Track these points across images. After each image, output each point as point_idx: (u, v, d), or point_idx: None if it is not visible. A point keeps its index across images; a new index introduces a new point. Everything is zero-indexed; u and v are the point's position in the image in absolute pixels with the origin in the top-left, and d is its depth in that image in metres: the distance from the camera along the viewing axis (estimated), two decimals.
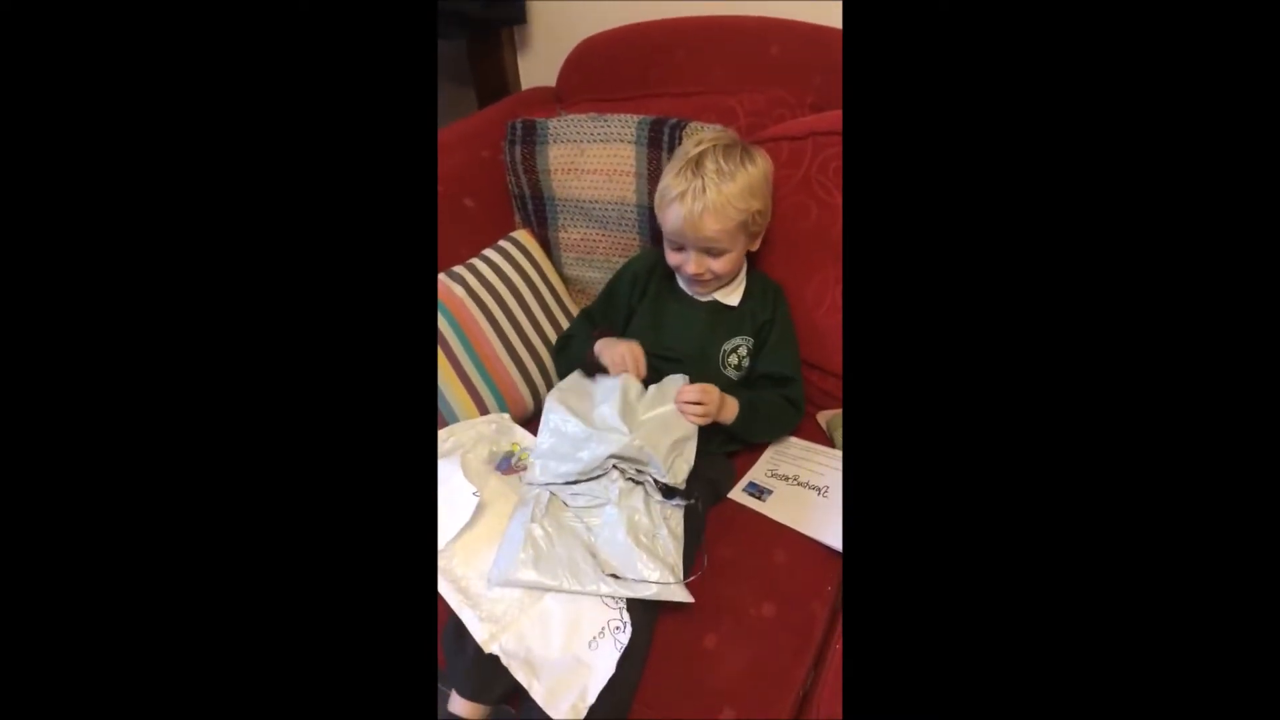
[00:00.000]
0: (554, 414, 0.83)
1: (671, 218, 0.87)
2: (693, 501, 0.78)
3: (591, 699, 0.66)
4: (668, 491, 0.77)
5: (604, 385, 0.86)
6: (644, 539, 0.73)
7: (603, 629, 0.70)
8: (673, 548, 0.74)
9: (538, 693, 0.67)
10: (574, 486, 0.79)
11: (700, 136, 0.91)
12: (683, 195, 0.85)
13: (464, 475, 0.82)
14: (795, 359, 0.96)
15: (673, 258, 0.92)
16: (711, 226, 0.85)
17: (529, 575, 0.72)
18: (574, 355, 0.97)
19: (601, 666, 0.68)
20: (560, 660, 0.68)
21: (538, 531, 0.74)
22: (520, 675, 0.67)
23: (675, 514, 0.77)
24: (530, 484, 0.81)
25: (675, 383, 0.86)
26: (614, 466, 0.78)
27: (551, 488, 0.79)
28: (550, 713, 0.66)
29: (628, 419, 0.80)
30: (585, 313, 1.04)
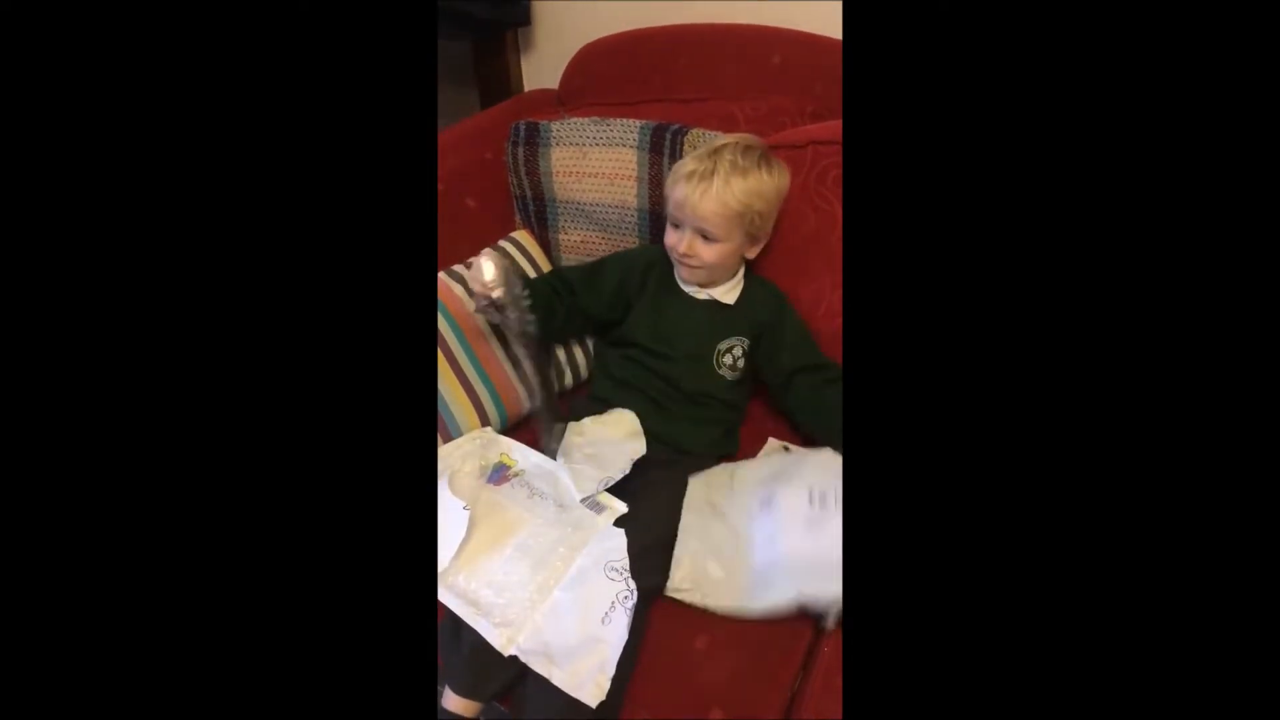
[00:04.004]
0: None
1: (677, 193, 0.90)
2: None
3: (612, 670, 0.68)
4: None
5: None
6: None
7: (613, 603, 0.71)
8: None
9: (560, 679, 0.67)
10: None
11: (728, 137, 0.94)
12: (692, 174, 0.88)
13: (453, 495, 0.83)
14: (801, 337, 0.96)
15: (670, 235, 0.94)
16: (709, 207, 0.87)
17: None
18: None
19: (616, 638, 0.69)
20: (578, 644, 0.69)
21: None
22: (540, 668, 0.68)
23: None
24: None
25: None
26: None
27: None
28: (576, 695, 0.67)
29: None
30: (556, 272, 1.05)
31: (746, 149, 0.90)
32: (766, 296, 0.98)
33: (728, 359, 0.95)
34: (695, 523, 0.83)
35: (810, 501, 0.78)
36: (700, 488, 0.87)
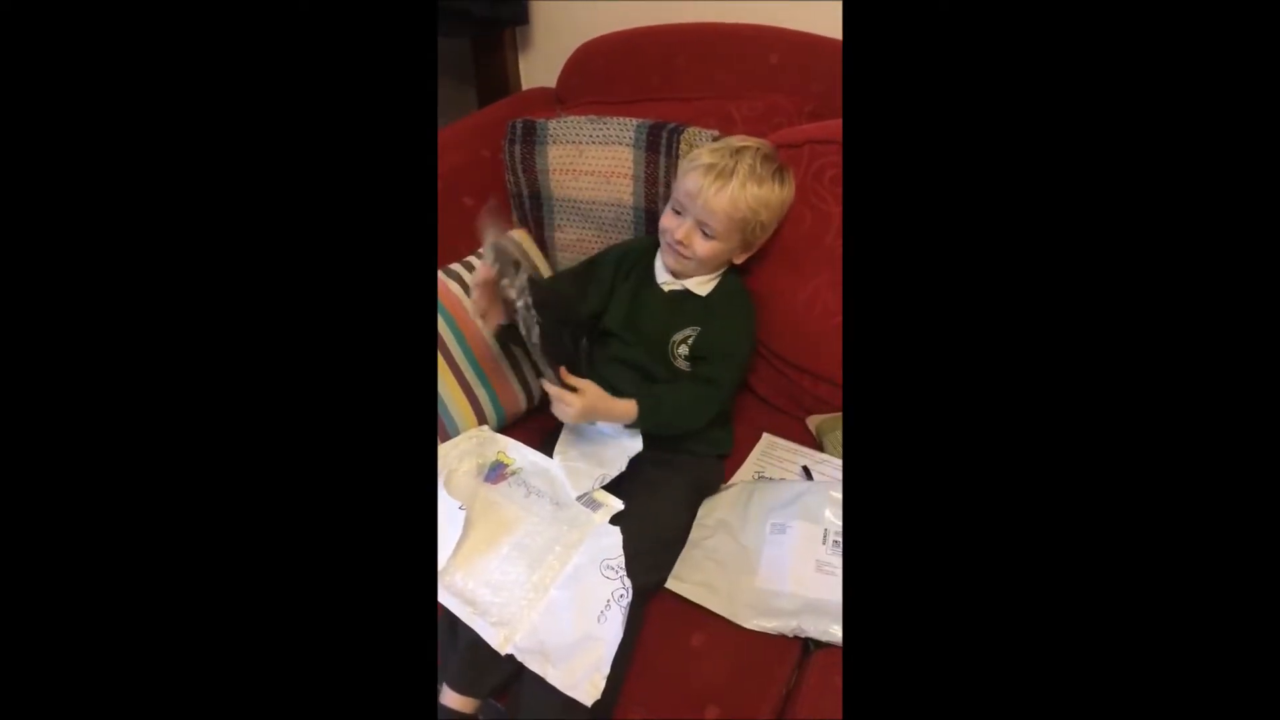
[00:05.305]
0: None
1: (689, 182, 0.90)
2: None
3: (607, 669, 0.68)
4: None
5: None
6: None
7: (609, 601, 0.72)
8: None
9: (555, 678, 0.67)
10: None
11: (749, 140, 0.95)
12: (710, 168, 0.89)
13: (449, 494, 0.83)
14: (726, 343, 0.95)
15: (668, 219, 0.94)
16: (720, 205, 0.88)
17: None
18: None
19: (611, 636, 0.69)
20: (574, 643, 0.69)
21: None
22: (536, 667, 0.68)
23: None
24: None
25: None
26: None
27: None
28: (572, 694, 0.67)
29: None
30: (557, 276, 1.06)
31: (766, 158, 0.92)
32: (730, 291, 0.98)
33: (682, 349, 0.95)
34: (702, 536, 0.83)
35: (824, 542, 0.78)
36: (715, 505, 0.88)
